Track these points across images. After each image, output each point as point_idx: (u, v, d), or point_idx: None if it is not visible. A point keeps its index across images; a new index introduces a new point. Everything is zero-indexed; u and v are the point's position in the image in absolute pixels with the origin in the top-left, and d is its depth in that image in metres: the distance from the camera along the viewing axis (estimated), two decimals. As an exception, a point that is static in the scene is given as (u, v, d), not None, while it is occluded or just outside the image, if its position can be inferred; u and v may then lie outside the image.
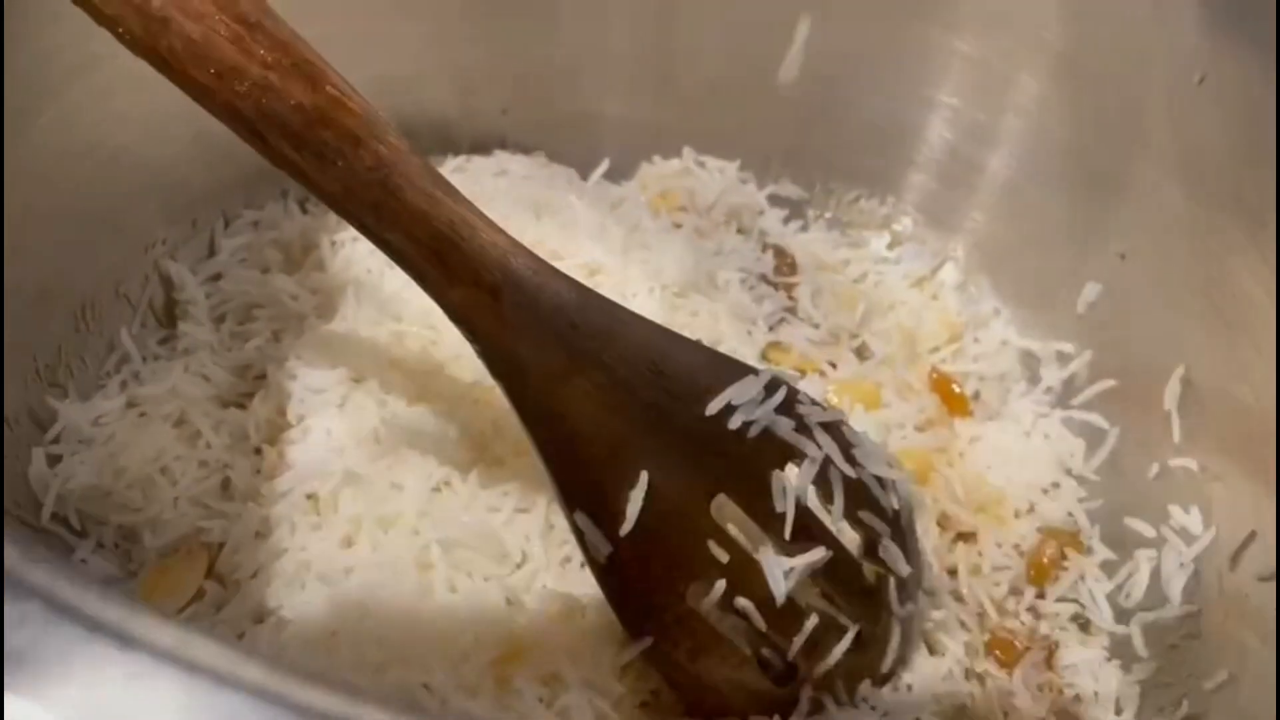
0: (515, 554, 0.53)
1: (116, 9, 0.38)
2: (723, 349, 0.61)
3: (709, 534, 0.48)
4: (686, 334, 0.54)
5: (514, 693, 0.48)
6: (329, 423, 0.57)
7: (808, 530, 0.50)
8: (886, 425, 0.63)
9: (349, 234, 0.65)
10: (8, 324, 0.53)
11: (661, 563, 0.48)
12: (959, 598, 0.59)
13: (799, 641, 0.50)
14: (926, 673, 0.54)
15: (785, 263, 0.72)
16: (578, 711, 0.48)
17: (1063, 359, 0.67)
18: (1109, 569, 0.60)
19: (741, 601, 0.49)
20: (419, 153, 0.43)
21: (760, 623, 0.49)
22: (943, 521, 0.61)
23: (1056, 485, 0.64)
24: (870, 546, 0.52)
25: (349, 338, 0.60)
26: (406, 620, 0.50)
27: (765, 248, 0.73)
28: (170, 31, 0.38)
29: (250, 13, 0.39)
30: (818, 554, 0.49)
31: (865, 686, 0.52)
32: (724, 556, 0.49)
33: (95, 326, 0.60)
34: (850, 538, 0.52)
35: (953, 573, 0.59)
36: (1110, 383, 0.65)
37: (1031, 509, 0.62)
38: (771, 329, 0.68)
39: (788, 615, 0.50)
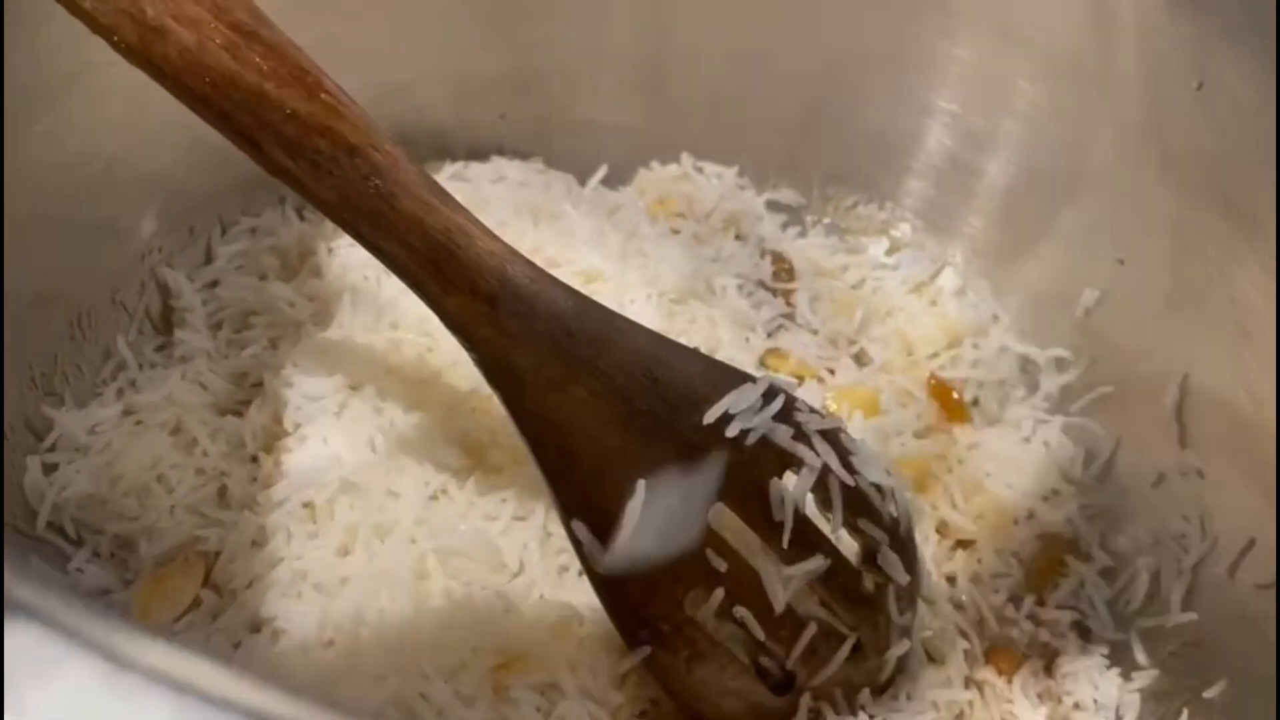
0: (512, 563, 0.53)
1: (111, 18, 0.37)
2: (720, 355, 0.61)
3: (707, 542, 0.48)
4: (684, 340, 0.54)
5: (511, 702, 0.48)
6: (326, 431, 0.56)
7: (806, 538, 0.50)
8: (885, 432, 0.63)
9: (346, 241, 0.64)
10: (2, 333, 0.53)
11: (659, 571, 0.48)
12: (958, 605, 0.58)
13: (798, 650, 0.50)
14: (926, 681, 0.54)
15: (783, 269, 0.72)
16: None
17: (1062, 365, 0.67)
18: (1108, 576, 0.60)
19: (740, 610, 0.49)
20: (415, 160, 0.43)
21: (759, 631, 0.49)
22: (941, 529, 0.61)
23: (1056, 492, 0.63)
24: (869, 555, 0.52)
25: (346, 345, 0.60)
26: (403, 629, 0.50)
27: (763, 254, 0.73)
28: (165, 40, 0.38)
29: (245, 21, 0.39)
30: (816, 562, 0.49)
31: (864, 695, 0.52)
32: (722, 565, 0.48)
33: (91, 334, 0.60)
34: (849, 546, 0.51)
35: (952, 580, 0.59)
36: (1109, 389, 0.65)
37: (1031, 516, 0.62)
38: (770, 335, 0.68)
39: (786, 624, 0.50)
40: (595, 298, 0.48)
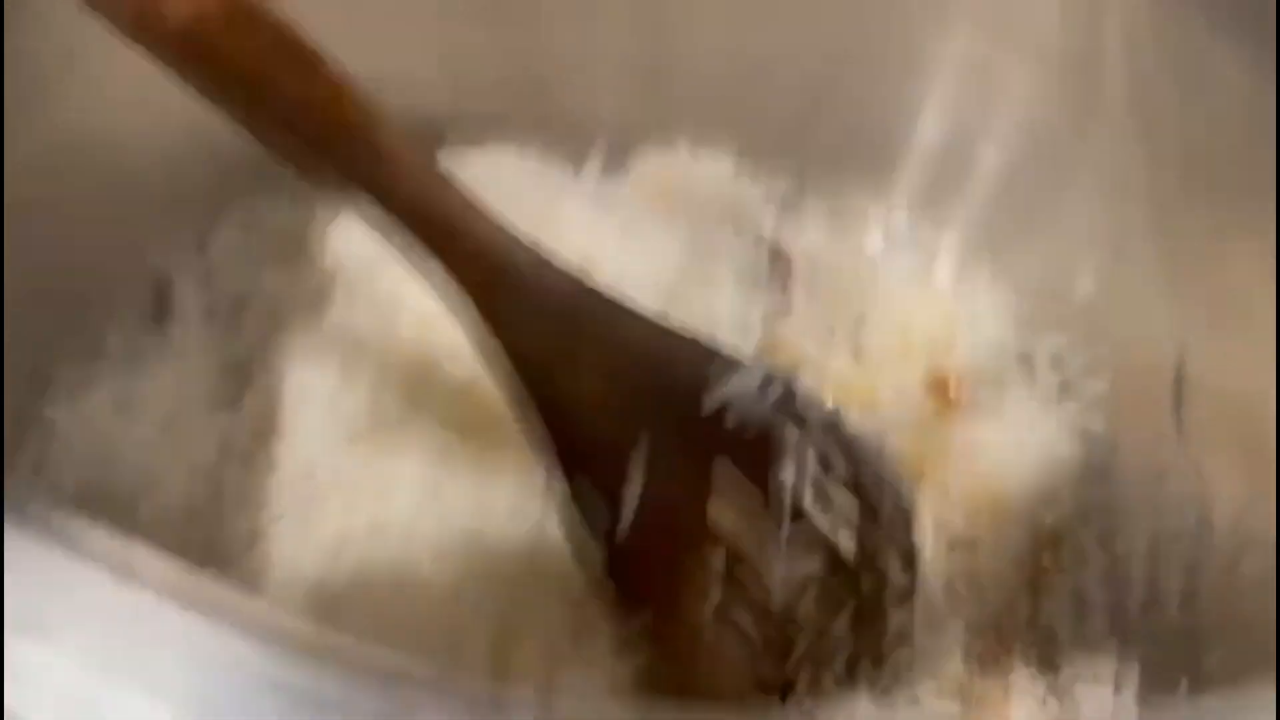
0: (508, 562, 0.52)
1: (108, -5, 0.37)
2: (717, 346, 0.61)
3: (705, 538, 0.48)
4: (681, 330, 0.53)
5: (512, 676, 0.48)
6: (321, 423, 0.56)
7: (804, 533, 0.49)
8: (882, 424, 0.63)
9: (342, 231, 0.65)
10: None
11: (656, 566, 0.48)
12: (956, 600, 0.58)
13: (795, 650, 0.49)
14: (924, 679, 0.54)
15: (780, 261, 0.72)
16: (576, 690, 0.48)
17: (1059, 358, 0.67)
18: (1107, 573, 0.60)
19: (737, 609, 0.49)
20: (417, 142, 0.42)
21: (755, 630, 0.49)
22: (939, 522, 0.61)
23: (1053, 488, 0.63)
24: (868, 549, 0.52)
25: (342, 336, 0.60)
26: (397, 630, 0.49)
27: (760, 245, 0.72)
28: (163, 16, 0.38)
29: (245, -1, 0.39)
30: (815, 559, 0.49)
31: (861, 695, 0.52)
32: (719, 559, 0.48)
33: (82, 325, 0.59)
34: (847, 541, 0.51)
35: (950, 575, 0.59)
36: (1107, 382, 0.65)
37: (1028, 512, 0.62)
38: (766, 326, 0.67)
39: (784, 623, 0.49)
40: (595, 284, 0.48)
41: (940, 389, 0.66)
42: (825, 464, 0.49)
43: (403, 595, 0.50)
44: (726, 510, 0.49)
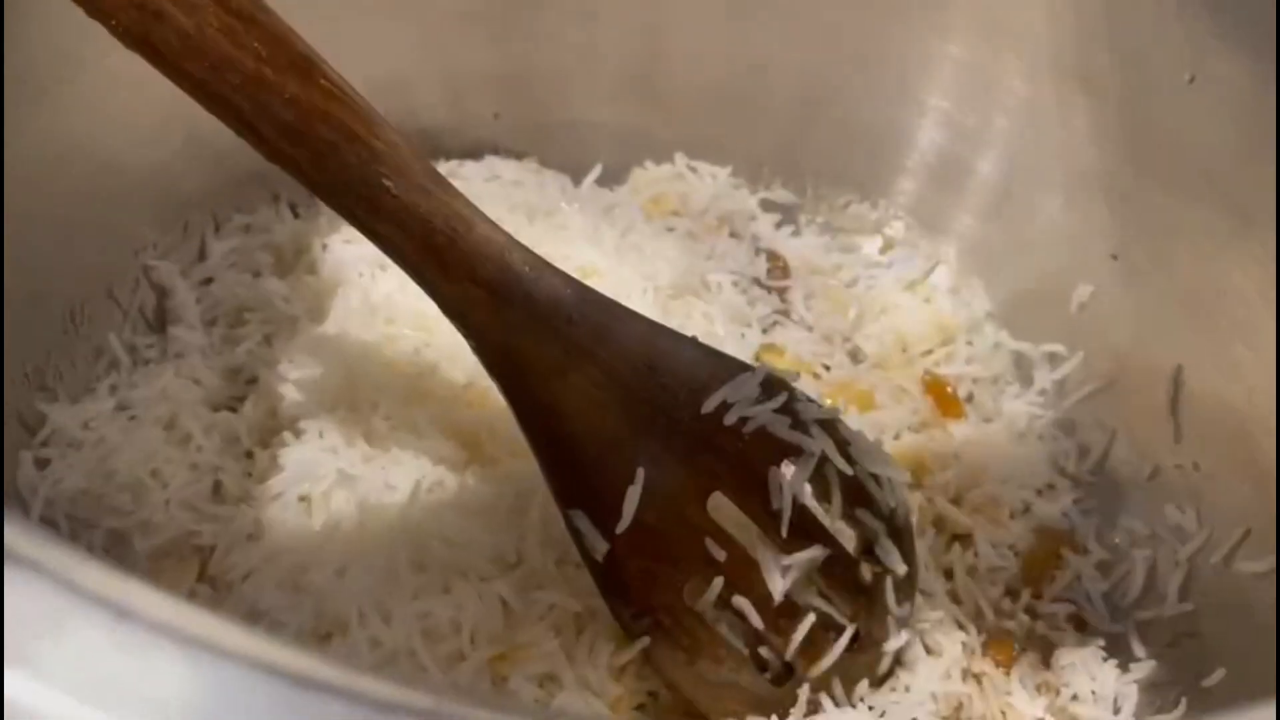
0: (510, 554, 0.53)
1: (110, 2, 0.37)
2: (716, 350, 0.61)
3: (706, 531, 0.48)
4: (681, 335, 0.53)
5: (510, 693, 0.48)
6: (321, 425, 0.56)
7: (805, 528, 0.50)
8: (880, 427, 0.63)
9: (340, 237, 0.65)
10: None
11: (659, 561, 0.48)
12: (955, 598, 0.58)
13: (796, 640, 0.50)
14: (924, 673, 0.54)
15: (778, 266, 0.72)
16: (574, 712, 0.48)
17: (1055, 360, 0.67)
18: (1104, 569, 0.60)
19: (739, 600, 0.49)
20: (415, 148, 0.43)
21: (758, 621, 0.49)
22: (938, 522, 0.61)
23: (1051, 486, 0.64)
24: (867, 545, 0.52)
25: (341, 340, 0.60)
26: (400, 621, 0.50)
27: (758, 251, 0.73)
28: (164, 24, 0.38)
29: (244, 7, 0.39)
30: (814, 551, 0.49)
31: (863, 686, 0.52)
32: (721, 554, 0.48)
33: (85, 330, 0.60)
34: (847, 536, 0.51)
35: (948, 573, 0.59)
36: (1103, 383, 0.65)
37: (1027, 509, 0.62)
38: (765, 331, 0.68)
39: (785, 614, 0.50)
40: (593, 289, 0.48)
41: (937, 390, 0.66)
42: (823, 462, 0.50)
43: (405, 587, 0.50)
44: (727, 506, 0.49)
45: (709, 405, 0.48)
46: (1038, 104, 0.66)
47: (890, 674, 0.54)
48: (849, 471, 0.50)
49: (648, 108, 0.76)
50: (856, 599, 0.51)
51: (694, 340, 0.51)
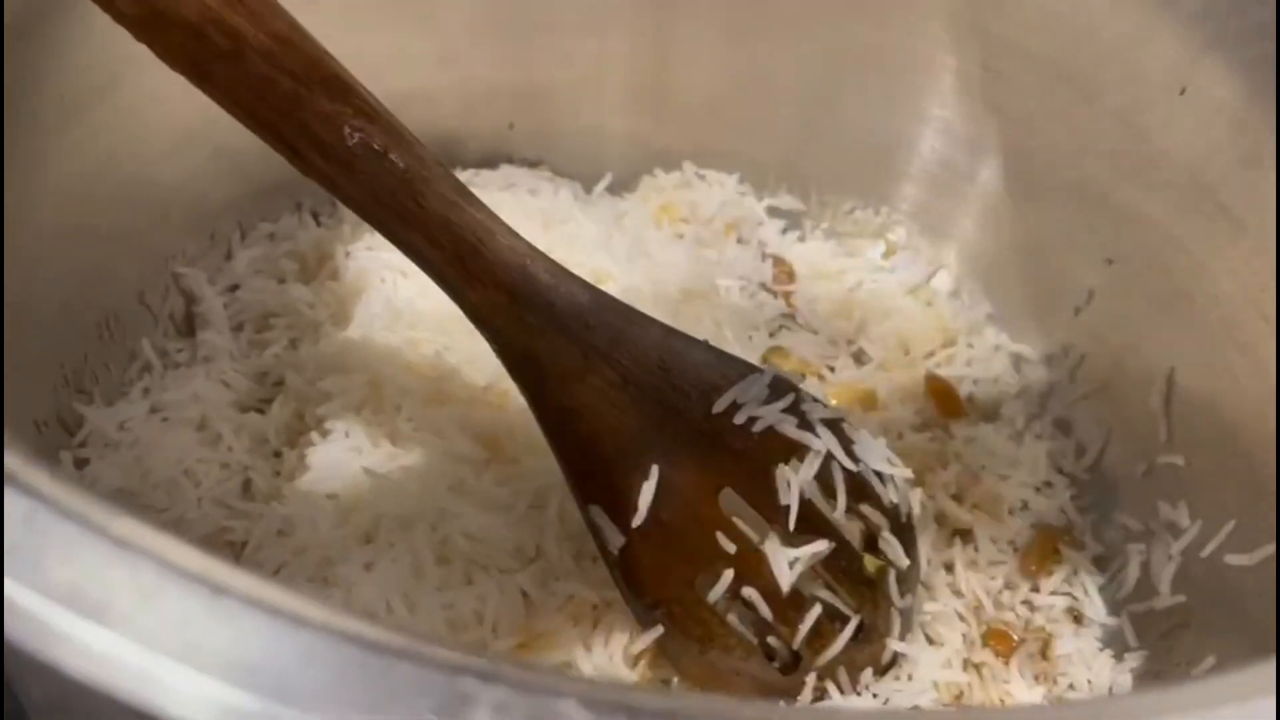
0: (529, 549, 0.55)
1: (154, 26, 0.40)
2: (725, 353, 0.63)
3: (717, 526, 0.50)
4: (691, 338, 0.55)
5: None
6: (347, 426, 0.59)
7: (811, 522, 0.52)
8: (884, 427, 0.65)
9: (362, 245, 0.67)
10: (36, 334, 0.55)
11: (672, 554, 0.50)
12: (956, 591, 0.60)
13: (804, 630, 0.51)
14: (926, 662, 0.56)
15: (784, 271, 0.74)
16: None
17: (1053, 362, 0.70)
18: (1100, 563, 0.62)
19: (748, 591, 0.51)
20: (441, 162, 0.45)
21: (766, 612, 0.51)
22: (940, 518, 0.63)
23: (1049, 483, 0.66)
24: (871, 539, 0.54)
25: (365, 344, 0.62)
26: (426, 612, 0.52)
27: (764, 257, 0.75)
28: (206, 47, 0.40)
29: (281, 30, 0.42)
30: (821, 545, 0.51)
31: (867, 675, 0.54)
32: (731, 548, 0.50)
33: (118, 335, 0.62)
34: (851, 530, 0.53)
35: (949, 567, 0.61)
36: (1099, 384, 0.67)
37: (1025, 506, 0.64)
38: (772, 335, 0.70)
39: (793, 605, 0.51)
40: (609, 294, 0.51)
41: (939, 391, 0.68)
42: (829, 460, 0.52)
43: (430, 580, 0.52)
44: (737, 502, 0.51)
45: (720, 405, 0.51)
46: (1036, 114, 0.68)
47: (893, 663, 0.56)
48: (853, 469, 0.52)
49: (657, 117, 0.78)
50: (861, 591, 0.53)
51: (705, 343, 0.53)
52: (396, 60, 0.71)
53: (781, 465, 0.51)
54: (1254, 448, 0.56)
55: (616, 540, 0.50)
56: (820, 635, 0.52)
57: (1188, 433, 0.61)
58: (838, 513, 0.52)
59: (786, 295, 0.73)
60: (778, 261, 0.75)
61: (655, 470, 0.49)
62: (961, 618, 0.59)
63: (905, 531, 0.54)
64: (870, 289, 0.75)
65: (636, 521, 0.49)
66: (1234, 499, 0.57)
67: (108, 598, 0.21)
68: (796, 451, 0.52)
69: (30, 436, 0.55)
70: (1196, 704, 0.26)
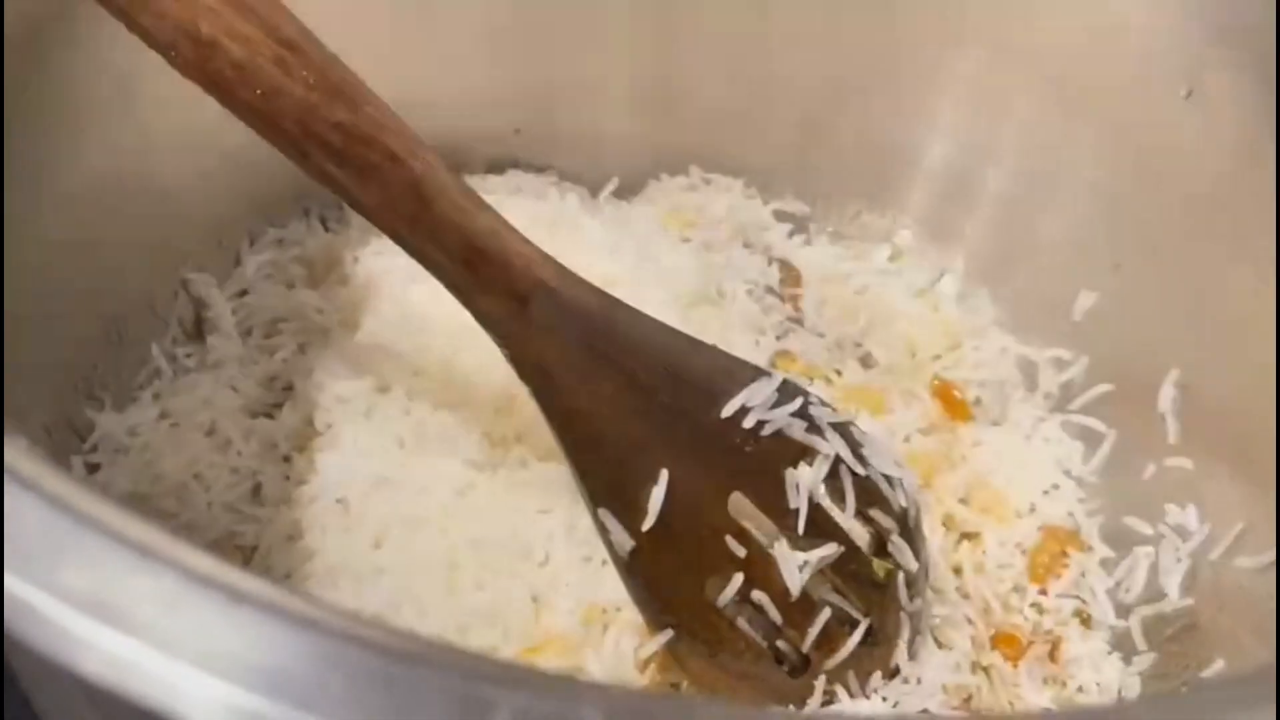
0: (539, 553, 0.55)
1: (169, 35, 0.40)
2: (732, 356, 0.63)
3: (726, 529, 0.51)
4: (699, 341, 0.55)
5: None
6: (356, 430, 0.59)
7: (820, 526, 0.52)
8: (891, 430, 0.65)
9: (371, 250, 0.68)
10: (45, 340, 0.55)
11: (681, 557, 0.50)
12: (964, 594, 0.60)
13: (813, 633, 0.52)
14: (935, 665, 0.56)
15: (790, 275, 0.74)
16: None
17: (1060, 365, 0.69)
18: (1108, 566, 0.62)
19: (758, 595, 0.51)
20: (451, 168, 0.45)
21: (776, 615, 0.51)
22: (947, 522, 0.63)
23: (1056, 486, 0.65)
24: (880, 542, 0.54)
25: (373, 349, 0.62)
26: (436, 616, 0.52)
27: (771, 261, 0.75)
28: (219, 54, 0.40)
29: (293, 37, 0.42)
30: (830, 548, 0.51)
31: (876, 678, 0.54)
32: (740, 551, 0.51)
33: (128, 341, 0.62)
34: (860, 534, 0.53)
35: (958, 571, 0.61)
36: (1107, 387, 0.67)
37: (1033, 509, 0.64)
38: (779, 338, 0.70)
39: (802, 608, 0.52)
40: (617, 299, 0.51)
41: (946, 394, 0.68)
42: (838, 464, 0.52)
43: (440, 584, 0.52)
44: (746, 506, 0.51)
45: (729, 409, 0.51)
46: (1043, 118, 0.68)
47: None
48: (862, 472, 0.53)
49: (663, 122, 0.78)
50: (870, 594, 0.53)
51: (714, 347, 0.54)
52: (401, 66, 0.70)
53: (790, 469, 0.51)
54: (1263, 450, 0.55)
55: (626, 544, 0.50)
56: (829, 639, 0.52)
57: (1196, 436, 0.61)
58: (847, 516, 0.52)
59: (793, 299, 0.73)
60: (784, 265, 0.75)
61: (665, 474, 0.49)
62: (970, 621, 0.59)
63: (913, 535, 0.54)
64: (877, 292, 0.75)
65: (646, 525, 0.49)
66: (1243, 502, 0.57)
67: (128, 604, 0.22)
68: (805, 455, 0.52)
69: (41, 442, 0.55)
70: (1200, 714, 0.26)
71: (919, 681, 0.55)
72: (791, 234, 0.78)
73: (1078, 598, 0.61)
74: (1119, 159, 0.65)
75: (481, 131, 0.77)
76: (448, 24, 0.73)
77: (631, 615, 0.53)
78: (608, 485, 0.50)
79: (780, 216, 0.78)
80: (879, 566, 0.53)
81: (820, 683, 0.52)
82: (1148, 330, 0.65)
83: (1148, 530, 0.61)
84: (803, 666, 0.53)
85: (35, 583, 0.22)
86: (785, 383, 0.53)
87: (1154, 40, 0.62)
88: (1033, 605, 0.61)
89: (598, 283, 0.65)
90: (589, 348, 0.48)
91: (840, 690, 0.53)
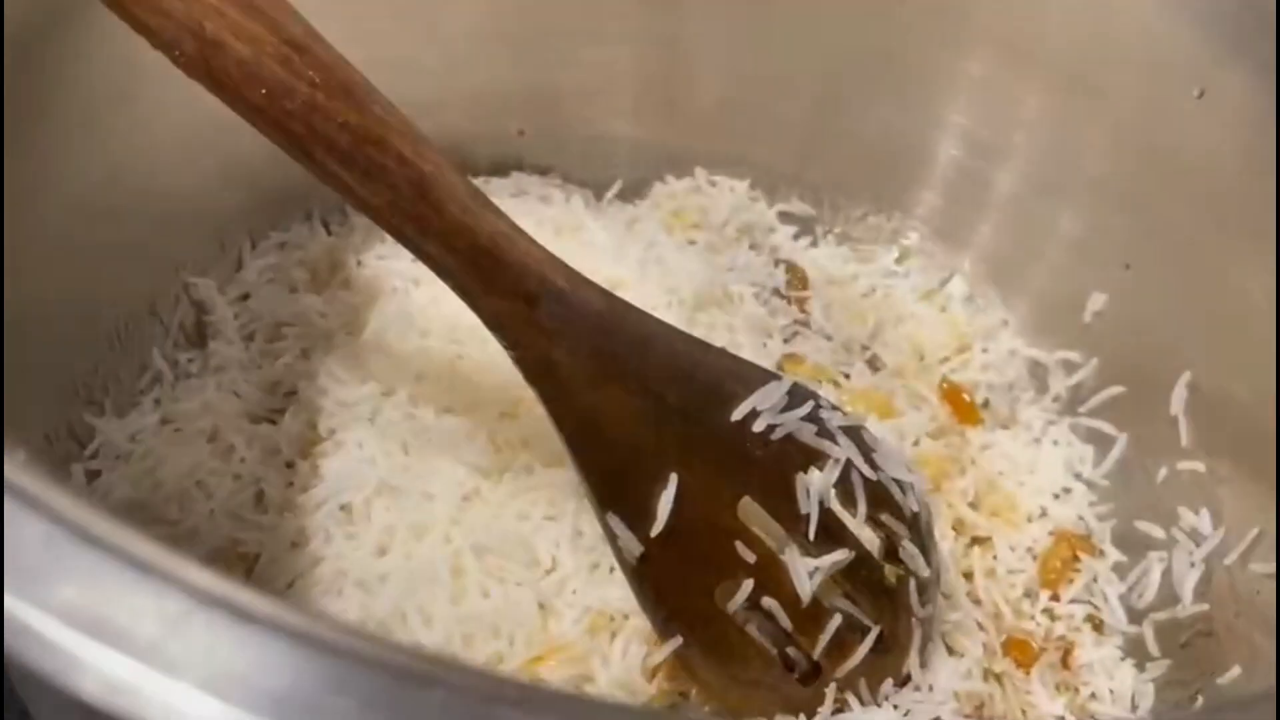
0: (545, 560, 0.54)
1: (173, 34, 0.39)
2: (739, 360, 0.62)
3: (736, 535, 0.50)
4: (706, 345, 0.55)
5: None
6: (360, 435, 0.58)
7: (830, 531, 0.51)
8: (900, 433, 0.65)
9: (374, 253, 0.67)
10: (45, 345, 0.55)
11: (690, 563, 0.50)
12: (975, 600, 0.60)
13: (823, 640, 0.51)
14: (947, 673, 0.55)
15: (797, 277, 0.74)
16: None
17: (1070, 367, 0.69)
18: (1120, 570, 0.62)
19: (768, 601, 0.50)
20: (458, 169, 0.44)
21: (786, 622, 0.51)
22: (957, 526, 0.62)
23: (1067, 490, 0.65)
24: (891, 548, 0.53)
25: (377, 353, 0.62)
26: (441, 625, 0.51)
27: (777, 263, 0.74)
28: (223, 54, 0.40)
29: (298, 36, 0.41)
30: (841, 554, 0.51)
31: (887, 686, 0.53)
32: (750, 557, 0.50)
33: (129, 346, 0.61)
34: (871, 539, 0.53)
35: (968, 576, 0.61)
36: (1118, 389, 0.66)
37: (1043, 513, 0.64)
38: (786, 341, 0.69)
39: (813, 615, 0.51)
40: (625, 302, 0.50)
41: (955, 397, 0.68)
42: (848, 468, 0.51)
43: (445, 592, 0.52)
44: (756, 510, 0.50)
45: (738, 413, 0.50)
46: (1053, 119, 0.68)
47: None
48: (873, 477, 0.52)
49: (667, 123, 0.78)
50: (881, 601, 0.53)
51: (722, 350, 0.53)
52: (405, 68, 0.69)
53: (801, 474, 0.50)
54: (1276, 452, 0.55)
55: (634, 549, 0.49)
56: (840, 646, 0.51)
57: (1209, 438, 0.60)
58: (858, 522, 0.51)
59: (800, 301, 0.73)
60: (790, 267, 0.74)
61: (674, 478, 0.48)
62: (981, 627, 0.58)
63: (925, 541, 0.54)
64: (884, 295, 0.75)
65: (655, 530, 0.49)
66: (1257, 505, 0.56)
67: (129, 623, 0.21)
68: (816, 459, 0.51)
69: (41, 449, 0.54)
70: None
71: (930, 689, 0.55)
72: (797, 236, 0.77)
73: (1090, 603, 0.61)
74: (1130, 159, 0.65)
75: (485, 133, 0.76)
76: (451, 25, 0.72)
77: (639, 623, 0.52)
78: (616, 490, 0.49)
79: (786, 218, 0.78)
80: (890, 572, 0.53)
81: (831, 691, 0.52)
82: (1159, 332, 0.64)
83: (1160, 534, 0.61)
84: (813, 674, 0.52)
85: (32, 601, 0.21)
86: (796, 386, 0.52)
87: (1165, 40, 0.61)
88: (1044, 611, 0.60)
89: (604, 285, 0.65)
90: (597, 350, 0.48)
91: (851, 698, 0.52)
